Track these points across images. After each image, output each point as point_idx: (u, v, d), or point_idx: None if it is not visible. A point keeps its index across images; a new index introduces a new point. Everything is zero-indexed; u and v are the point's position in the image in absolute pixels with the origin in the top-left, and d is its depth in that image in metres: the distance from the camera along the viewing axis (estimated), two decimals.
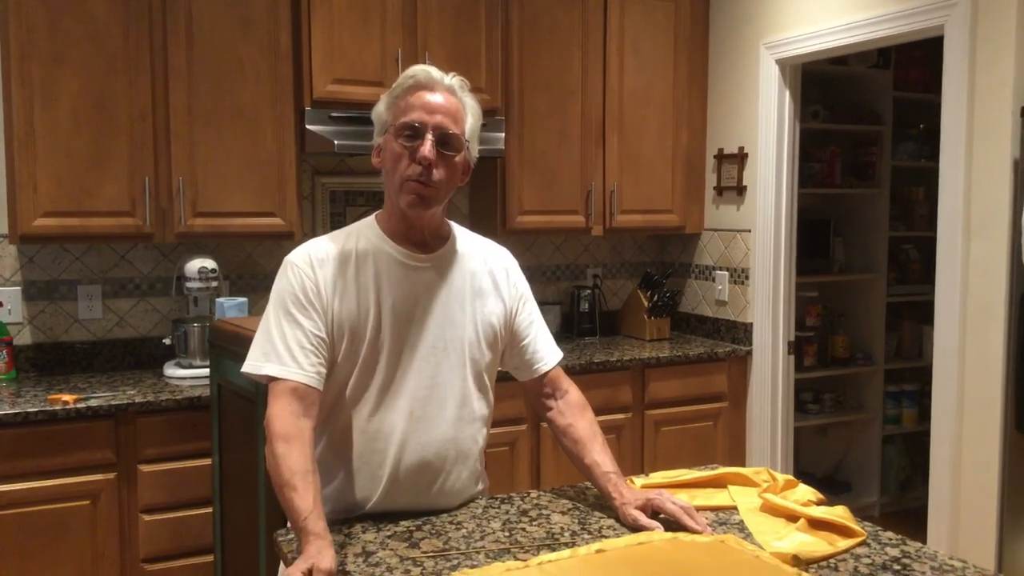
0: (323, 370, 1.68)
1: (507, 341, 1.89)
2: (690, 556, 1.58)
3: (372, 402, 1.73)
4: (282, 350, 1.66)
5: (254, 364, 1.68)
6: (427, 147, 1.66)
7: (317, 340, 1.67)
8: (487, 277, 1.85)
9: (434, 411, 1.75)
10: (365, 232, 1.77)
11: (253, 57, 3.22)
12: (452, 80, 1.72)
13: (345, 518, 1.75)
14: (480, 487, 1.91)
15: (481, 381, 1.83)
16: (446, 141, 1.68)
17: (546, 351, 1.93)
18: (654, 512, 1.72)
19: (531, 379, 1.94)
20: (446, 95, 1.70)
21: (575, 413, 1.90)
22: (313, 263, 1.71)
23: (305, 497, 1.54)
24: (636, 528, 1.69)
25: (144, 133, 3.09)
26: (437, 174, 1.67)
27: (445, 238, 1.82)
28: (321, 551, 1.48)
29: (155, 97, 3.10)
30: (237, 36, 3.19)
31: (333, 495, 1.76)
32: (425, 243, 1.77)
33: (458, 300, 1.79)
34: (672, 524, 1.69)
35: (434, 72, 1.71)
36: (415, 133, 1.66)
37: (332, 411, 1.75)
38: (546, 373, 1.93)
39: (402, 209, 1.71)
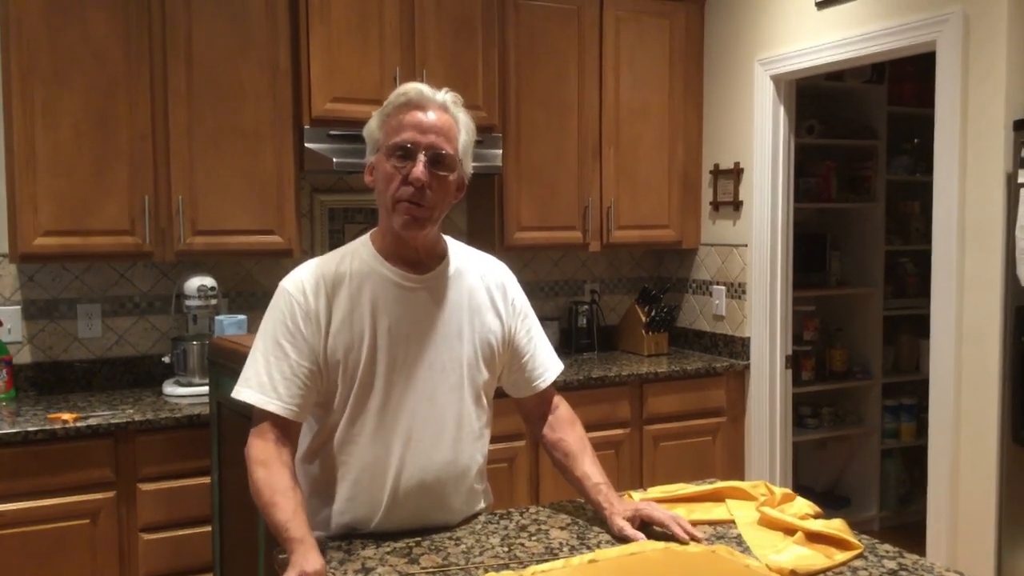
0: (304, 401, 1.69)
1: (505, 359, 1.88)
2: (682, 565, 1.59)
3: (370, 424, 1.72)
4: (265, 379, 1.67)
5: (238, 389, 1.71)
6: (419, 169, 1.64)
7: (303, 371, 1.68)
8: (484, 294, 1.83)
9: (432, 433, 1.75)
10: (360, 252, 1.76)
11: (252, 76, 3.24)
12: (445, 96, 1.70)
13: (345, 534, 1.75)
14: (483, 504, 1.91)
15: (479, 400, 1.82)
16: (439, 161, 1.66)
17: (543, 369, 1.92)
18: (644, 523, 1.73)
19: (527, 396, 1.94)
20: (438, 113, 1.68)
21: (565, 427, 1.91)
22: (306, 290, 1.70)
23: (285, 509, 1.58)
24: (622, 538, 1.71)
25: (144, 152, 3.11)
26: (430, 195, 1.66)
27: (441, 256, 1.81)
28: (306, 555, 1.50)
29: (155, 116, 3.12)
30: (236, 55, 3.22)
31: (333, 518, 1.76)
32: (420, 262, 1.76)
33: (455, 320, 1.78)
34: (661, 535, 1.71)
35: (425, 90, 1.69)
36: (407, 154, 1.65)
37: (330, 434, 1.75)
38: (543, 390, 1.93)
39: (396, 229, 1.71)
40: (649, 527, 1.74)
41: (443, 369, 1.75)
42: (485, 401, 1.85)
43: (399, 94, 1.69)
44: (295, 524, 1.56)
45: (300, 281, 1.72)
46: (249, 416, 2.51)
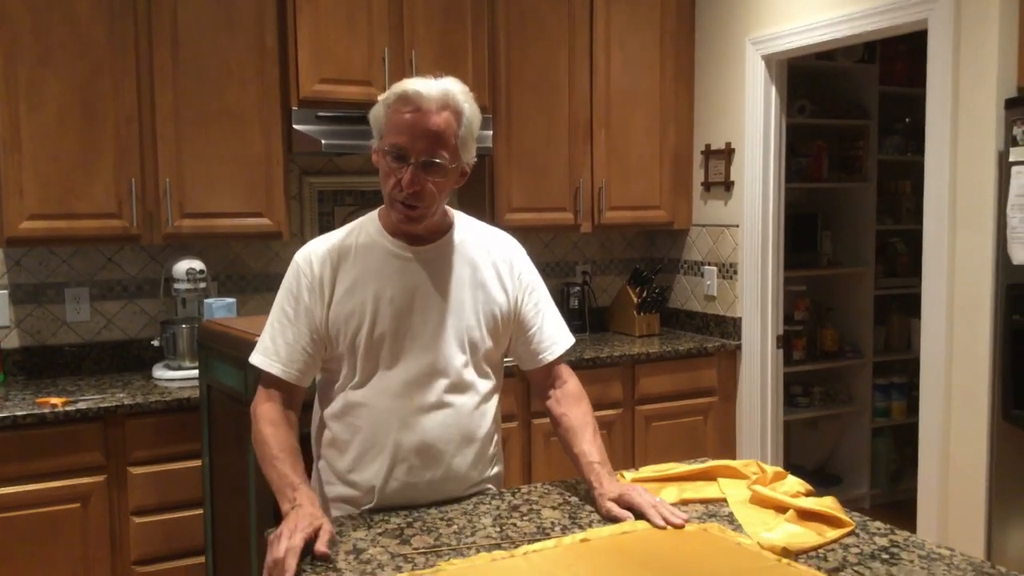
0: (306, 367, 1.80)
1: (512, 331, 1.92)
2: (673, 544, 1.60)
3: (374, 389, 1.79)
4: (270, 344, 1.80)
5: (257, 356, 1.82)
6: (408, 177, 1.69)
7: (305, 339, 1.79)
8: (490, 268, 1.88)
9: (434, 397, 1.80)
10: (367, 227, 1.85)
11: (239, 57, 3.21)
12: (447, 87, 1.71)
13: (338, 516, 1.77)
14: (496, 470, 1.95)
15: (481, 368, 1.87)
16: (430, 166, 1.70)
17: (551, 342, 1.95)
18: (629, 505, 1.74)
19: (534, 368, 1.96)
20: (435, 114, 1.69)
21: (570, 403, 1.93)
22: (312, 261, 1.81)
23: (296, 469, 1.69)
24: (610, 517, 1.72)
25: (130, 135, 3.08)
26: (424, 195, 1.72)
27: (446, 230, 1.86)
28: (311, 499, 1.63)
29: (141, 98, 3.09)
30: (223, 36, 3.18)
31: (339, 483, 1.83)
32: (422, 238, 1.83)
33: (457, 290, 1.83)
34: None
35: (423, 89, 1.69)
36: (401, 155, 1.69)
37: (336, 398, 1.83)
38: (550, 363, 1.96)
39: (394, 222, 1.79)
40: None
41: (445, 337, 1.81)
42: (490, 369, 1.90)
43: (399, 89, 1.71)
44: (305, 488, 1.66)
45: (309, 253, 1.83)
46: (239, 399, 2.51)
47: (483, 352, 1.86)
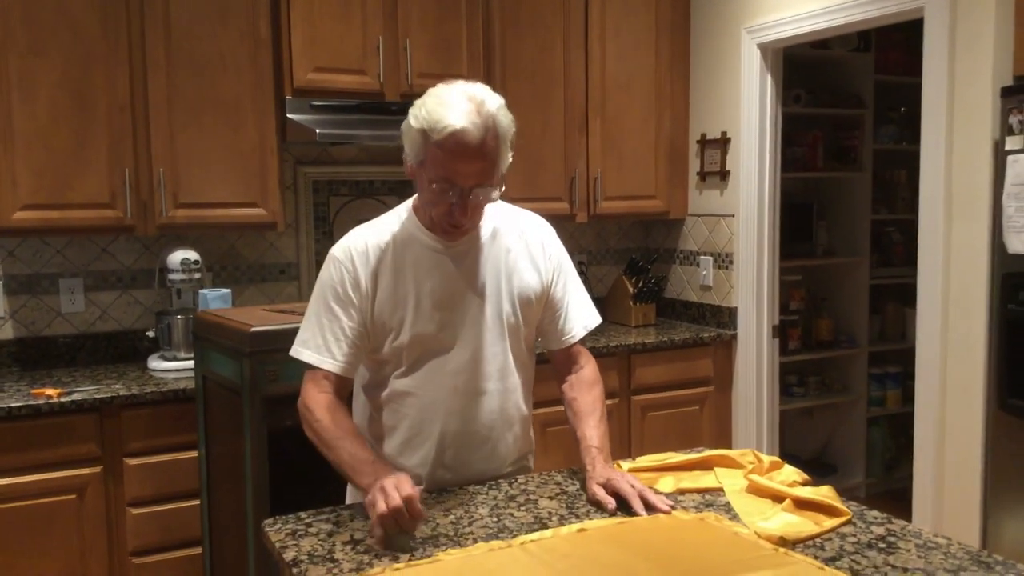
0: (355, 359, 1.83)
1: (541, 312, 1.96)
2: (671, 533, 1.60)
3: (420, 379, 1.84)
4: (320, 340, 1.82)
5: (296, 349, 1.85)
6: (461, 210, 1.73)
7: (353, 332, 1.81)
8: (523, 251, 1.92)
9: (478, 384, 1.86)
10: (403, 220, 1.87)
11: (232, 47, 3.19)
12: (490, 112, 1.68)
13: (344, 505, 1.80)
14: (530, 449, 2.04)
15: (520, 353, 1.92)
16: (480, 194, 1.73)
17: (572, 324, 1.98)
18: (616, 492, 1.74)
19: (557, 349, 2.01)
20: (482, 144, 1.67)
21: (582, 388, 1.97)
22: (354, 257, 1.83)
23: (364, 446, 1.75)
24: (593, 501, 1.75)
25: (123, 124, 3.06)
26: (473, 218, 1.78)
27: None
28: (391, 470, 1.65)
29: (134, 88, 3.07)
30: (216, 25, 3.16)
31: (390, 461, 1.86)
32: None
33: (492, 278, 1.87)
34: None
35: (468, 124, 1.64)
36: (450, 187, 1.70)
37: (381, 386, 1.88)
38: (571, 346, 1.99)
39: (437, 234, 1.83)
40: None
41: (485, 325, 1.85)
42: (526, 355, 1.95)
43: (443, 123, 1.64)
44: (368, 453, 1.71)
45: (348, 249, 1.84)
46: (235, 390, 2.50)
47: (520, 335, 1.91)
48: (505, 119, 1.74)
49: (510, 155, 1.79)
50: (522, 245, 1.92)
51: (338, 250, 1.86)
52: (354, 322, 1.81)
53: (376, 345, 1.84)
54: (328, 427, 1.75)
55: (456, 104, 1.67)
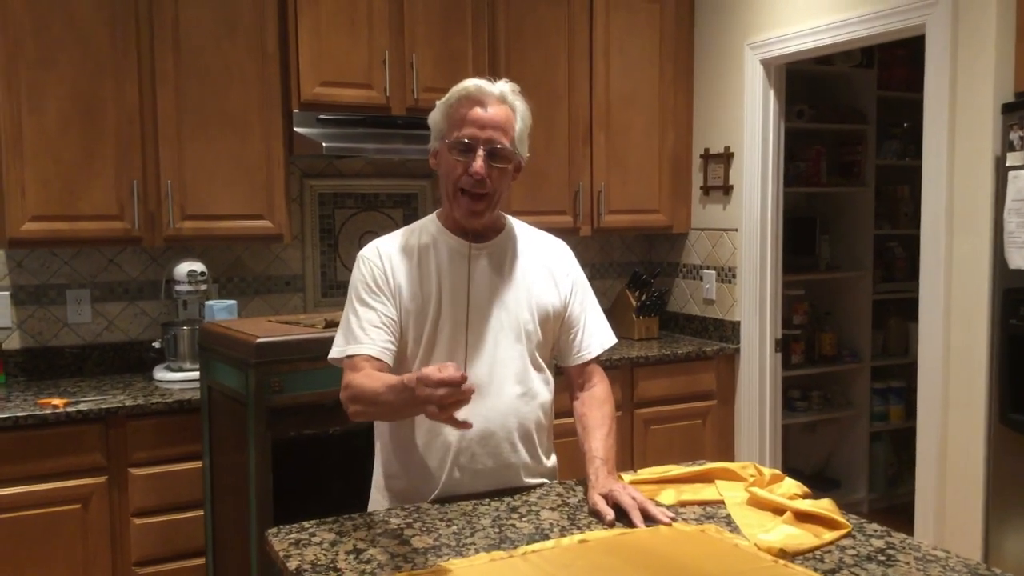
0: (393, 347, 1.85)
1: (558, 329, 2.00)
2: (672, 545, 1.61)
3: None
4: (357, 331, 1.84)
5: (335, 350, 1.86)
6: (478, 163, 1.79)
7: (387, 319, 1.85)
8: (543, 269, 1.98)
9: (496, 387, 1.89)
10: (427, 227, 1.95)
11: (240, 60, 3.22)
12: (503, 87, 1.84)
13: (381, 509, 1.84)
14: (552, 461, 2.04)
15: (537, 361, 1.96)
16: (496, 154, 1.81)
17: (588, 342, 2.02)
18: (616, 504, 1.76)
19: (572, 365, 2.04)
20: (496, 106, 1.82)
21: (593, 405, 2.00)
22: (381, 255, 1.90)
23: (395, 376, 1.66)
24: (593, 511, 1.76)
25: (132, 136, 3.09)
26: (489, 184, 1.82)
27: (500, 229, 1.97)
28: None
29: (143, 100, 3.10)
30: (224, 39, 3.20)
31: (404, 474, 1.92)
32: (480, 235, 1.92)
33: (512, 284, 1.93)
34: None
35: (484, 85, 1.83)
36: (467, 148, 1.80)
37: None
38: (586, 363, 2.03)
39: (457, 218, 1.87)
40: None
41: (503, 329, 1.90)
42: (544, 364, 1.98)
43: (460, 88, 1.83)
44: (400, 377, 1.61)
45: (376, 249, 1.92)
46: (240, 400, 2.52)
47: (536, 344, 1.95)
48: (519, 102, 1.87)
49: (527, 142, 1.89)
50: (542, 263, 1.98)
51: (367, 252, 1.92)
52: (388, 309, 1.85)
53: (400, 343, 1.88)
54: (368, 385, 1.71)
55: (471, 79, 1.87)
